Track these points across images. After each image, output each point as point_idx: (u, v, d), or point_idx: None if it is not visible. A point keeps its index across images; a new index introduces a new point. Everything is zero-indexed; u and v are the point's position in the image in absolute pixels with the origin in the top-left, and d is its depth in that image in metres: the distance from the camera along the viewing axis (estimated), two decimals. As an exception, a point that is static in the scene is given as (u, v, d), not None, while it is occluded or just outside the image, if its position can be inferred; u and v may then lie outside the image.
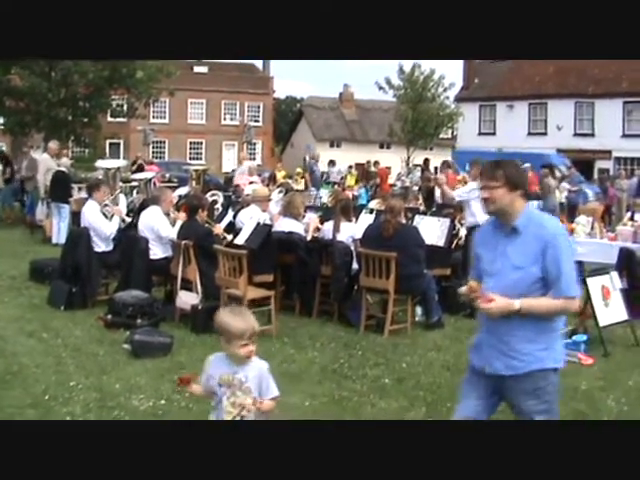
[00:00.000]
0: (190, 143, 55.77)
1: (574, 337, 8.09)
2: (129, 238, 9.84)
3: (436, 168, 34.98)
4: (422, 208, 15.13)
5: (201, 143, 56.22)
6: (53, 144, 16.93)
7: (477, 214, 9.89)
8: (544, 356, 3.91)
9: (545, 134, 41.63)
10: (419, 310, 9.23)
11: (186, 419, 5.50)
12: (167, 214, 9.79)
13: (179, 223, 9.46)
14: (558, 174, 25.16)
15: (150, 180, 16.47)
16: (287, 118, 75.39)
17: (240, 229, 9.51)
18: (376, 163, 30.16)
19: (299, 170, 26.92)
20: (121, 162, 20.15)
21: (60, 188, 15.05)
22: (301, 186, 24.21)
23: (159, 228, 9.36)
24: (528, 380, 3.91)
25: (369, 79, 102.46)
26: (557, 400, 4.04)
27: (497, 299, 3.81)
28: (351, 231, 9.33)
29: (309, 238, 9.68)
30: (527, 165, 24.35)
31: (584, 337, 8.07)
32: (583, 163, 32.42)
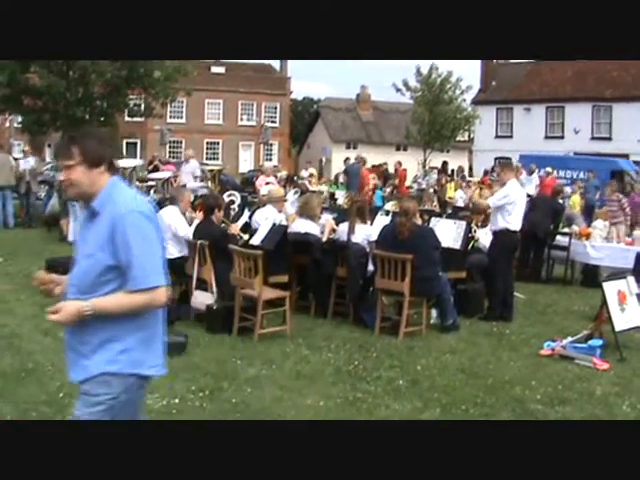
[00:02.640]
0: (207, 143, 55.77)
1: (590, 342, 8.05)
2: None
3: (453, 171, 34.99)
4: (437, 210, 15.15)
5: (218, 143, 56.24)
6: None
7: (508, 219, 9.54)
8: (119, 359, 3.33)
9: (562, 137, 41.41)
10: (434, 312, 9.20)
11: (200, 418, 5.51)
12: (183, 213, 9.81)
13: (196, 222, 9.49)
14: (629, 179, 24.33)
15: (167, 180, 16.50)
16: (304, 119, 75.34)
17: (256, 229, 9.52)
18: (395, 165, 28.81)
19: (312, 171, 26.90)
20: (137, 162, 20.17)
21: None
22: (317, 187, 24.17)
23: (177, 227, 9.37)
24: (92, 384, 3.33)
25: (386, 81, 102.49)
26: (128, 416, 3.39)
27: (65, 307, 3.27)
28: (366, 233, 9.31)
29: (325, 239, 9.66)
30: (548, 169, 24.20)
31: (600, 342, 8.02)
32: (600, 167, 32.18)
